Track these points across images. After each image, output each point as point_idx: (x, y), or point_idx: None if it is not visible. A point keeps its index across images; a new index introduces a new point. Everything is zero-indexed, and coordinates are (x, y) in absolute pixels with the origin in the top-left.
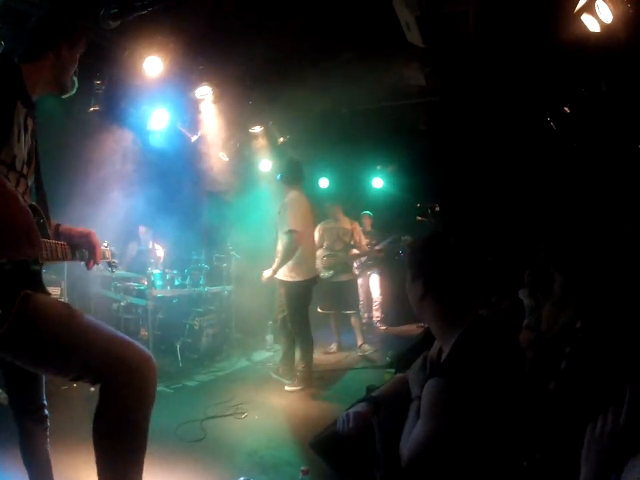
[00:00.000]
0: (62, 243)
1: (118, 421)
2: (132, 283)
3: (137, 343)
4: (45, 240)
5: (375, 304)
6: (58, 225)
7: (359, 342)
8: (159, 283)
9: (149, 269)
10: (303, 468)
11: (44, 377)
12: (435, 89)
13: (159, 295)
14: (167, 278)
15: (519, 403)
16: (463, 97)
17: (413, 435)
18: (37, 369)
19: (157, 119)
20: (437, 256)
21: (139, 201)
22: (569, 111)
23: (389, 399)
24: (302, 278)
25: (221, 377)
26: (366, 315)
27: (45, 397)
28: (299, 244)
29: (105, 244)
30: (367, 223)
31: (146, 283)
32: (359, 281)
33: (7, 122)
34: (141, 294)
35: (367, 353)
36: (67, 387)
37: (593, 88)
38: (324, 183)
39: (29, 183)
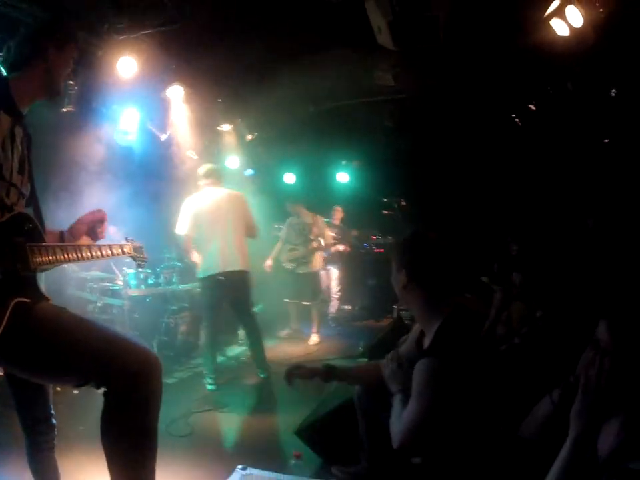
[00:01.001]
0: (65, 244)
1: (124, 424)
2: (107, 284)
3: (139, 343)
4: (37, 244)
5: (333, 297)
6: (62, 232)
7: (313, 331)
8: (133, 282)
9: (123, 268)
10: (295, 452)
11: (50, 387)
12: (403, 89)
13: (133, 295)
14: (141, 277)
15: (493, 378)
16: (431, 96)
17: (404, 415)
18: (36, 379)
19: (127, 119)
20: (418, 249)
21: (109, 201)
22: (534, 109)
23: (345, 371)
24: (203, 275)
25: (198, 372)
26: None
27: (51, 407)
28: (188, 246)
29: (130, 239)
30: (337, 216)
31: (121, 283)
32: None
33: None
34: (116, 294)
35: (311, 343)
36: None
37: (559, 87)
38: (290, 178)
39: (24, 192)
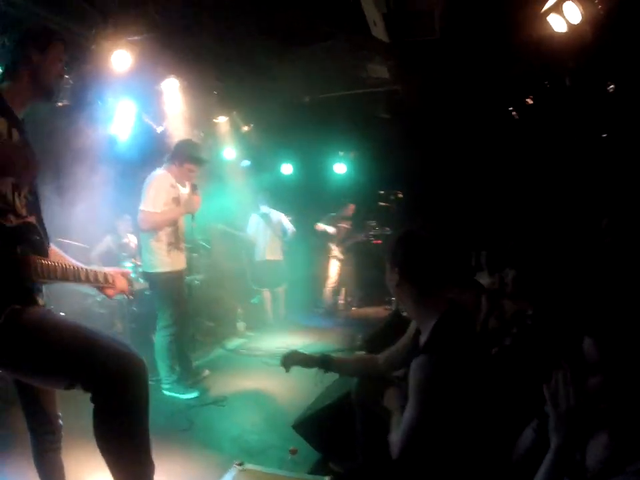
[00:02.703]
0: (67, 264)
1: (111, 427)
2: None
3: (124, 346)
4: (41, 259)
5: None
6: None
7: None
8: (132, 275)
9: (123, 262)
10: (291, 448)
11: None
12: (397, 82)
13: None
14: (139, 271)
15: (488, 375)
16: (427, 89)
17: (404, 417)
18: (27, 380)
19: (123, 111)
20: (409, 247)
21: (108, 194)
22: (531, 102)
23: (343, 362)
24: None
25: (197, 366)
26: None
27: (57, 408)
28: None
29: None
30: (349, 211)
31: None
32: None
33: None
34: None
35: None
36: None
37: (556, 82)
38: (287, 169)
39: (24, 193)
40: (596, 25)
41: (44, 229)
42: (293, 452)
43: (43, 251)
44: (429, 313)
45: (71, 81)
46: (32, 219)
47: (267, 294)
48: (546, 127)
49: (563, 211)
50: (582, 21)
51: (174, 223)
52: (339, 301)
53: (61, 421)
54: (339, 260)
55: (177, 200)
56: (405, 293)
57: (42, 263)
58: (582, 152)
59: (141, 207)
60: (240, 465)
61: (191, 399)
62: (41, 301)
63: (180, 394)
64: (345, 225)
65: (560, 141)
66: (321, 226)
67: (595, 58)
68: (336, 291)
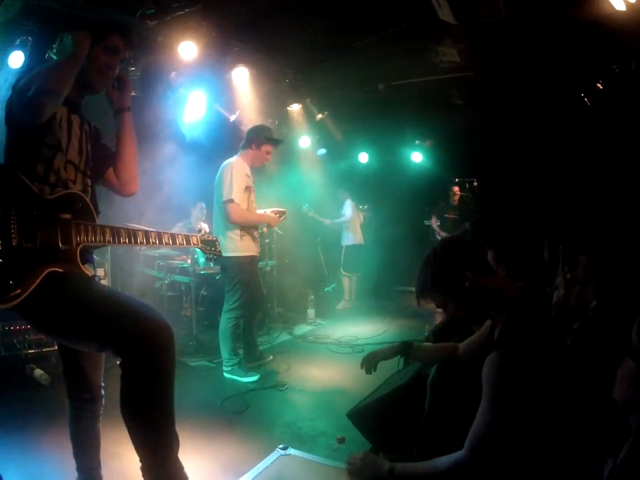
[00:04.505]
0: (118, 226)
1: (139, 392)
2: (175, 261)
3: (155, 314)
4: (85, 223)
5: None
6: None
7: None
8: (202, 260)
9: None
10: (338, 436)
11: (102, 358)
12: (468, 65)
13: (202, 272)
14: (210, 257)
15: (567, 373)
16: (498, 73)
17: (476, 418)
18: (61, 341)
19: (194, 101)
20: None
21: (182, 182)
22: (601, 88)
23: (423, 349)
24: None
25: (262, 350)
26: None
27: (100, 378)
28: None
29: (204, 230)
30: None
31: (189, 261)
32: None
33: None
34: (184, 271)
35: None
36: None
37: (623, 65)
38: (364, 157)
39: (83, 170)
40: None
41: (94, 200)
42: (340, 440)
43: (88, 217)
44: (505, 302)
45: (138, 73)
46: (76, 191)
47: (346, 280)
48: (617, 114)
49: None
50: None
51: (250, 209)
52: None
53: (103, 391)
54: None
55: (249, 189)
56: (487, 283)
57: (85, 225)
58: None
59: (231, 197)
60: (284, 449)
61: (251, 382)
62: (88, 271)
63: (240, 377)
64: (451, 215)
65: (632, 128)
66: (434, 223)
67: None
68: None
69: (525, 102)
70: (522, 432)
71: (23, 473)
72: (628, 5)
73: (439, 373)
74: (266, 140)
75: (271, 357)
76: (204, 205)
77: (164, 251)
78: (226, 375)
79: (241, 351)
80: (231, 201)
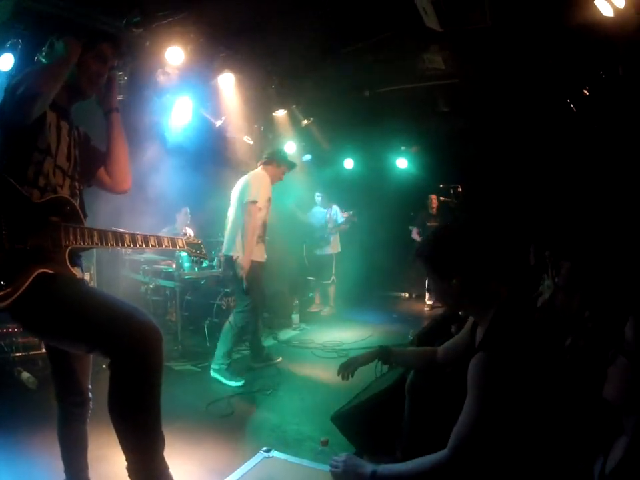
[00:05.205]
0: (106, 230)
1: (129, 394)
2: (160, 266)
3: (143, 316)
4: (73, 225)
5: None
6: None
7: None
8: (186, 265)
9: (179, 253)
10: (322, 439)
11: (90, 361)
12: (454, 72)
13: (187, 277)
14: (194, 260)
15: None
16: (483, 80)
17: (459, 419)
18: (51, 342)
19: (180, 107)
20: (466, 238)
21: (168, 187)
22: (587, 94)
23: (402, 353)
24: None
25: (247, 355)
26: None
27: (88, 380)
28: None
29: (189, 234)
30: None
31: (174, 265)
32: None
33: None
34: (169, 276)
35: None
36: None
37: (610, 71)
38: (349, 164)
39: (71, 175)
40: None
41: (82, 205)
42: (324, 443)
43: (76, 220)
44: (486, 305)
45: (125, 77)
46: (65, 196)
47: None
48: (604, 120)
49: (620, 205)
50: (627, 5)
51: (265, 219)
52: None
53: (90, 394)
54: None
55: (269, 200)
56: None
57: (74, 227)
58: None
59: (257, 199)
60: (267, 451)
61: (236, 386)
62: (76, 273)
63: (225, 379)
64: (433, 223)
65: (618, 134)
66: (415, 234)
67: None
68: None
69: (511, 108)
70: (507, 432)
71: (11, 475)
72: (615, 10)
73: (417, 376)
74: (287, 162)
75: (280, 358)
76: (188, 210)
77: (149, 255)
78: (212, 373)
79: (234, 355)
80: (255, 202)
